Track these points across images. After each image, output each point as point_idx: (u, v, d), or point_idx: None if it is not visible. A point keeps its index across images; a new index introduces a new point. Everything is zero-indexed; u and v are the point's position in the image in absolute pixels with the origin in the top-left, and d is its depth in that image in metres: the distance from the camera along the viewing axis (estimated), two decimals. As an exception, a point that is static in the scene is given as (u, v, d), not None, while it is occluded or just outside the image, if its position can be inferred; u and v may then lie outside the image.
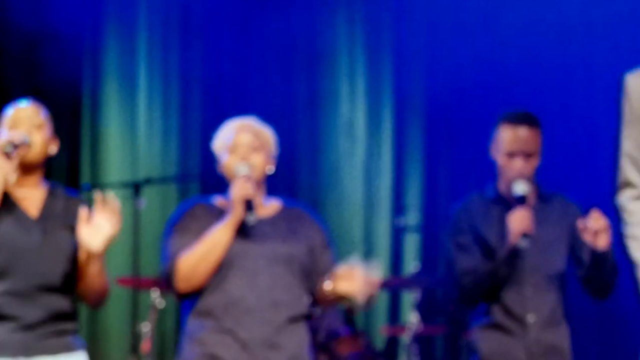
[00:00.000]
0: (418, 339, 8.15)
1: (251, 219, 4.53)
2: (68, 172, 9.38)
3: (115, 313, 8.95)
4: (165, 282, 4.78)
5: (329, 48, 10.05)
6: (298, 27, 10.02)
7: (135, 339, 8.20)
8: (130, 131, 9.59)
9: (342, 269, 4.60)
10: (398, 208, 9.53)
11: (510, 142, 5.41)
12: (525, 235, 5.17)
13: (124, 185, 8.32)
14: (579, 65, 9.45)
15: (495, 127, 5.50)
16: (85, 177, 9.37)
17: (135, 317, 8.32)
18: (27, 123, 4.65)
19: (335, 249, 4.97)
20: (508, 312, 5.38)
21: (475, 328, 5.43)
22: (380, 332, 8.75)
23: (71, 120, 9.45)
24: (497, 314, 5.40)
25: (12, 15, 9.32)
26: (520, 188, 5.22)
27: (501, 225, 5.38)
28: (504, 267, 5.33)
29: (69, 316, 4.55)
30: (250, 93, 9.47)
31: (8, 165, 4.42)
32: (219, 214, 4.63)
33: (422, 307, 8.18)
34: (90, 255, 4.46)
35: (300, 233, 4.79)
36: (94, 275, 4.57)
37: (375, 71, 10.02)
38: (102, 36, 9.86)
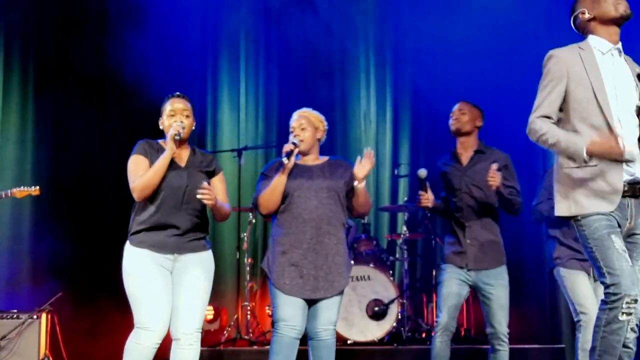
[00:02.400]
0: (406, 241, 8.39)
1: (285, 160, 4.81)
2: (198, 141, 9.33)
3: (227, 227, 9.16)
4: (255, 208, 5.20)
5: (352, 64, 10.13)
6: (332, 51, 10.01)
7: (239, 241, 8.55)
8: (235, 119, 9.81)
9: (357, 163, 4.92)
10: (395, 164, 9.85)
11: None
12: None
13: (232, 150, 8.83)
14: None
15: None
16: (209, 145, 9.57)
17: (239, 228, 8.68)
18: (181, 113, 4.72)
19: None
20: (456, 224, 5.59)
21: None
22: (385, 238, 9.15)
23: (200, 109, 9.49)
24: (452, 224, 5.63)
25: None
26: (421, 173, 5.51)
27: (451, 175, 5.65)
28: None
29: (204, 227, 4.83)
30: (299, 92, 9.58)
31: (175, 145, 4.58)
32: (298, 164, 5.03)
33: (408, 222, 8.41)
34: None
35: (336, 174, 5.03)
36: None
37: (382, 80, 10.21)
38: (217, 56, 9.86)
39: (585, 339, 5.65)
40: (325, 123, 5.20)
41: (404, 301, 7.80)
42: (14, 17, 8.88)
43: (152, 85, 7.59)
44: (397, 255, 8.54)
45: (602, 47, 4.06)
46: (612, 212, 3.82)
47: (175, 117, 4.72)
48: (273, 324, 4.99)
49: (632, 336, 3.80)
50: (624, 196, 3.87)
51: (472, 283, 5.51)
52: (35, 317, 6.97)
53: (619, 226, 3.85)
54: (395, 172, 9.71)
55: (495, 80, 9.11)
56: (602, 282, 3.79)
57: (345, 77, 10.08)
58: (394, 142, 9.98)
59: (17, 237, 8.55)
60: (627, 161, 3.86)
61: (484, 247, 5.51)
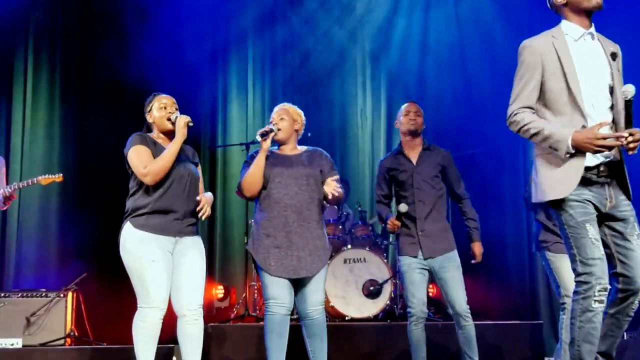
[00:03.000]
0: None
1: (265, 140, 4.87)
2: (210, 136, 9.51)
3: (236, 213, 9.25)
4: (240, 192, 5.02)
5: (350, 66, 10.18)
6: (331, 54, 10.09)
7: (246, 227, 8.49)
8: (243, 116, 9.82)
9: (327, 180, 4.86)
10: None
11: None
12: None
13: (240, 144, 8.76)
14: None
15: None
16: (219, 139, 9.58)
17: (246, 215, 8.76)
18: (171, 106, 4.81)
19: (337, 169, 5.13)
20: (408, 218, 5.51)
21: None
22: (379, 223, 8.33)
23: (212, 107, 9.56)
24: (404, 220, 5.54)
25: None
26: (402, 208, 5.43)
27: (401, 172, 5.58)
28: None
29: (197, 213, 4.77)
30: (301, 91, 9.69)
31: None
32: (270, 155, 5.00)
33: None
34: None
35: (313, 163, 5.03)
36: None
37: (377, 80, 10.27)
38: (227, 58, 9.88)
39: (567, 319, 5.56)
40: (304, 117, 5.21)
41: (397, 281, 7.79)
42: (42, 23, 8.93)
43: (167, 85, 7.38)
44: (390, 240, 8.50)
45: (574, 33, 3.92)
46: (587, 198, 3.73)
47: (167, 108, 4.78)
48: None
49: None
50: (600, 177, 3.79)
51: (429, 268, 5.49)
52: (62, 295, 7.02)
53: (598, 210, 3.76)
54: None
55: (476, 79, 9.32)
56: (574, 270, 3.72)
57: (344, 77, 10.11)
58: (387, 136, 10.02)
59: (45, 224, 8.60)
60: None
61: (434, 237, 5.47)
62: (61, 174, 6.69)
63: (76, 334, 7.01)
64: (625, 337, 7.41)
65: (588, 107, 3.80)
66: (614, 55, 3.90)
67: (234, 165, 9.39)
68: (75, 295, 7.13)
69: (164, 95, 4.87)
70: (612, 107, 3.86)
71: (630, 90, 3.69)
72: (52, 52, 8.98)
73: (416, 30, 9.95)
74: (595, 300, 3.60)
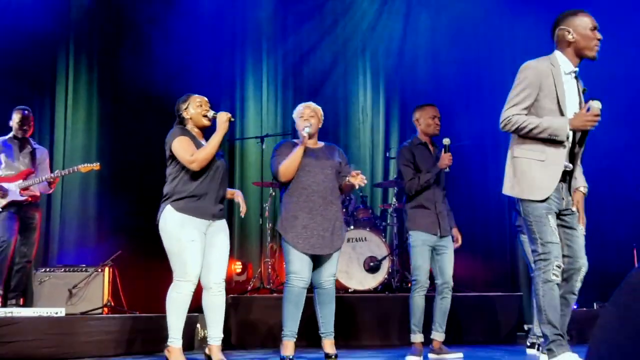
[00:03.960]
0: (396, 210, 8.45)
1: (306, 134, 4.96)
2: (231, 128, 9.23)
3: (253, 198, 9.08)
4: (275, 178, 5.16)
5: (352, 68, 10.13)
6: (336, 57, 10.05)
7: (262, 210, 8.55)
8: (259, 113, 9.79)
9: (353, 173, 4.95)
10: (387, 148, 9.87)
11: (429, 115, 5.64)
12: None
13: (255, 137, 8.79)
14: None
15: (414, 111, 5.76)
16: (237, 133, 9.57)
17: (261, 200, 8.65)
18: (206, 103, 4.83)
19: (351, 165, 5.33)
20: (427, 200, 5.50)
21: (408, 206, 5.57)
22: (379, 207, 9.08)
23: (231, 104, 9.45)
24: (422, 200, 5.50)
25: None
26: (446, 141, 5.39)
27: (425, 158, 5.55)
28: (432, 180, 5.44)
29: (224, 200, 4.90)
30: (310, 90, 9.65)
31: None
32: (294, 145, 5.08)
33: (397, 195, 8.40)
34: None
35: (334, 155, 5.17)
36: None
37: (376, 80, 10.20)
38: (244, 61, 9.84)
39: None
40: (323, 116, 5.28)
41: (394, 258, 7.86)
42: (81, 32, 8.94)
43: (190, 85, 7.42)
44: (388, 221, 8.53)
45: (566, 68, 4.00)
46: (551, 196, 3.89)
47: (203, 106, 4.78)
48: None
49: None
50: (560, 181, 3.93)
51: (433, 245, 5.47)
52: (99, 270, 7.02)
53: (556, 204, 3.94)
54: (387, 154, 9.67)
55: (470, 80, 9.30)
56: (534, 251, 3.93)
57: (347, 78, 10.07)
58: (385, 131, 10.03)
59: (85, 207, 8.64)
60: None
61: (446, 218, 5.52)
62: (98, 163, 6.71)
63: (112, 304, 7.00)
64: (595, 307, 7.62)
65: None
66: (584, 91, 4.09)
67: (250, 156, 9.40)
68: (111, 270, 7.12)
69: (197, 95, 4.84)
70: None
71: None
72: (90, 58, 8.99)
73: (410, 34, 9.91)
74: (553, 274, 3.85)
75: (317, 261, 5.02)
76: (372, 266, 7.50)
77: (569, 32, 3.98)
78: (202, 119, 4.77)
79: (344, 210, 8.24)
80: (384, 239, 7.82)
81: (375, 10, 10.18)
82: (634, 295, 1.47)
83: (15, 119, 6.68)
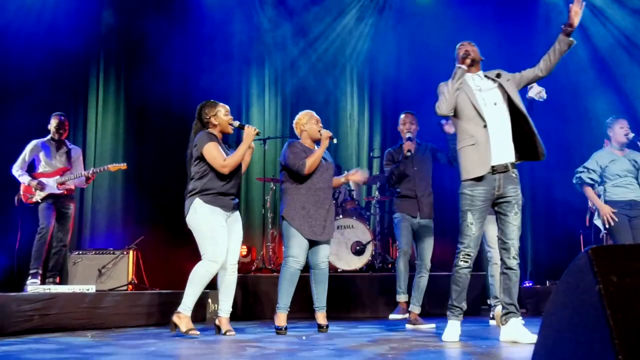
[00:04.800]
0: (378, 201, 8.46)
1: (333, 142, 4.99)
2: (238, 131, 9.20)
3: (256, 191, 9.23)
4: (296, 170, 4.91)
5: (341, 79, 10.02)
6: (327, 69, 9.95)
7: (264, 201, 8.56)
8: (262, 117, 9.75)
9: (352, 171, 5.26)
10: (370, 149, 9.84)
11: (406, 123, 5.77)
12: (409, 151, 5.52)
13: (259, 139, 8.35)
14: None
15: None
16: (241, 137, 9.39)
17: (264, 193, 8.61)
18: (228, 111, 4.83)
19: (333, 160, 5.29)
20: (409, 189, 5.66)
21: (394, 197, 5.77)
22: (364, 199, 8.98)
23: (237, 110, 9.41)
24: (404, 190, 5.68)
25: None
26: (408, 135, 5.59)
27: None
28: (400, 169, 5.60)
29: (238, 195, 4.89)
30: (305, 98, 9.53)
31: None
32: (304, 146, 5.03)
33: (380, 189, 8.47)
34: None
35: (330, 159, 5.19)
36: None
37: (361, 90, 10.09)
38: (249, 72, 9.79)
39: (492, 269, 5.75)
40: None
41: (377, 242, 7.86)
42: (111, 46, 8.96)
43: (202, 94, 7.22)
44: (372, 211, 8.47)
45: (467, 76, 4.16)
46: (477, 192, 3.99)
47: (229, 115, 4.78)
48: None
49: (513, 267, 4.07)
50: (495, 173, 4.00)
51: (416, 228, 5.60)
52: (125, 253, 7.01)
53: (484, 198, 4.00)
54: (371, 154, 9.67)
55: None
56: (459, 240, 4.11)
57: (337, 87, 10.00)
58: (370, 134, 9.95)
59: (113, 199, 8.65)
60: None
61: (428, 203, 5.63)
62: (125, 163, 6.69)
63: (136, 281, 6.99)
64: (548, 285, 7.57)
65: (487, 112, 4.01)
66: (498, 75, 4.14)
67: (254, 155, 8.99)
68: (135, 252, 7.10)
69: (222, 104, 4.80)
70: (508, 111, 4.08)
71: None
72: (117, 69, 8.99)
73: (392, 47, 9.84)
74: (460, 259, 4.06)
75: (314, 245, 5.03)
76: (357, 249, 7.46)
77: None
78: (228, 127, 4.77)
79: (334, 202, 8.19)
80: (368, 227, 7.77)
81: (359, 29, 10.07)
82: (580, 275, 1.48)
83: (52, 123, 6.65)
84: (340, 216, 7.73)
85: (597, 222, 5.64)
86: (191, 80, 8.60)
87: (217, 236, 4.53)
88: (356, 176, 5.13)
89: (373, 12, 10.07)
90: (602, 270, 1.40)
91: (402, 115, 5.84)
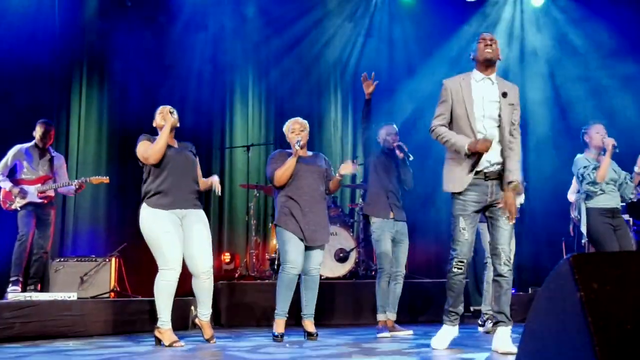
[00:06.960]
0: (361, 209, 7.79)
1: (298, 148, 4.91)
2: (220, 139, 9.43)
3: (239, 199, 9.19)
4: (270, 181, 5.05)
5: (325, 87, 10.06)
6: (311, 78, 9.99)
7: (247, 209, 8.52)
8: (245, 125, 9.69)
9: (340, 167, 5.10)
10: (354, 156, 9.80)
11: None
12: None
13: (242, 146, 8.71)
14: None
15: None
16: (227, 142, 9.49)
17: (247, 200, 8.63)
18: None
19: (333, 169, 5.32)
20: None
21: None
22: (347, 206, 8.94)
23: (221, 118, 9.46)
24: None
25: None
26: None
27: (384, 165, 5.74)
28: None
29: (199, 192, 4.80)
30: (289, 106, 9.47)
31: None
32: (287, 155, 5.05)
33: (363, 196, 8.00)
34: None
35: (320, 162, 5.16)
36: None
37: (345, 98, 10.19)
38: (233, 81, 9.74)
39: (489, 274, 5.75)
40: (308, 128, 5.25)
41: (360, 250, 7.84)
42: (93, 53, 8.84)
43: (186, 102, 7.33)
44: (355, 219, 8.43)
45: (477, 77, 4.13)
46: (469, 198, 4.00)
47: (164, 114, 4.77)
48: (280, 264, 5.03)
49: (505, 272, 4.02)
50: (487, 179, 4.04)
51: (394, 233, 5.52)
52: (107, 260, 6.95)
53: (476, 204, 4.02)
54: (354, 161, 9.40)
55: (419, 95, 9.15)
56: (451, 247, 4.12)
57: (321, 96, 10.02)
58: (353, 141, 10.00)
59: (95, 207, 8.54)
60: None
61: (400, 207, 5.61)
62: (108, 177, 6.65)
63: (118, 289, 6.94)
64: (530, 292, 7.63)
65: (478, 129, 4.02)
66: (504, 94, 4.06)
67: (238, 162, 9.28)
68: (117, 260, 7.05)
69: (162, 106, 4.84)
70: (499, 127, 4.05)
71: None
72: (100, 76, 8.88)
73: (371, 56, 9.89)
74: (454, 266, 4.05)
75: (307, 252, 5.00)
76: (341, 257, 7.46)
77: (470, 54, 4.23)
78: (162, 122, 4.74)
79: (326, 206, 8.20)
80: (351, 234, 7.79)
81: (344, 35, 10.12)
82: (561, 283, 1.48)
83: (38, 131, 6.60)
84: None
85: (583, 228, 5.62)
86: (176, 89, 8.61)
87: (162, 243, 4.44)
88: (347, 169, 5.06)
89: (357, 18, 10.12)
90: (584, 278, 1.40)
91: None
